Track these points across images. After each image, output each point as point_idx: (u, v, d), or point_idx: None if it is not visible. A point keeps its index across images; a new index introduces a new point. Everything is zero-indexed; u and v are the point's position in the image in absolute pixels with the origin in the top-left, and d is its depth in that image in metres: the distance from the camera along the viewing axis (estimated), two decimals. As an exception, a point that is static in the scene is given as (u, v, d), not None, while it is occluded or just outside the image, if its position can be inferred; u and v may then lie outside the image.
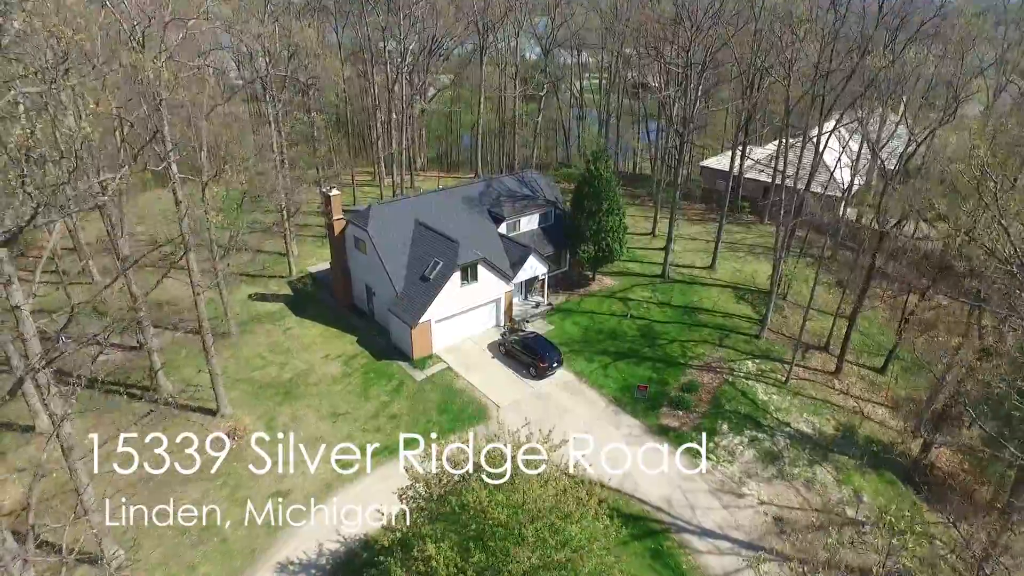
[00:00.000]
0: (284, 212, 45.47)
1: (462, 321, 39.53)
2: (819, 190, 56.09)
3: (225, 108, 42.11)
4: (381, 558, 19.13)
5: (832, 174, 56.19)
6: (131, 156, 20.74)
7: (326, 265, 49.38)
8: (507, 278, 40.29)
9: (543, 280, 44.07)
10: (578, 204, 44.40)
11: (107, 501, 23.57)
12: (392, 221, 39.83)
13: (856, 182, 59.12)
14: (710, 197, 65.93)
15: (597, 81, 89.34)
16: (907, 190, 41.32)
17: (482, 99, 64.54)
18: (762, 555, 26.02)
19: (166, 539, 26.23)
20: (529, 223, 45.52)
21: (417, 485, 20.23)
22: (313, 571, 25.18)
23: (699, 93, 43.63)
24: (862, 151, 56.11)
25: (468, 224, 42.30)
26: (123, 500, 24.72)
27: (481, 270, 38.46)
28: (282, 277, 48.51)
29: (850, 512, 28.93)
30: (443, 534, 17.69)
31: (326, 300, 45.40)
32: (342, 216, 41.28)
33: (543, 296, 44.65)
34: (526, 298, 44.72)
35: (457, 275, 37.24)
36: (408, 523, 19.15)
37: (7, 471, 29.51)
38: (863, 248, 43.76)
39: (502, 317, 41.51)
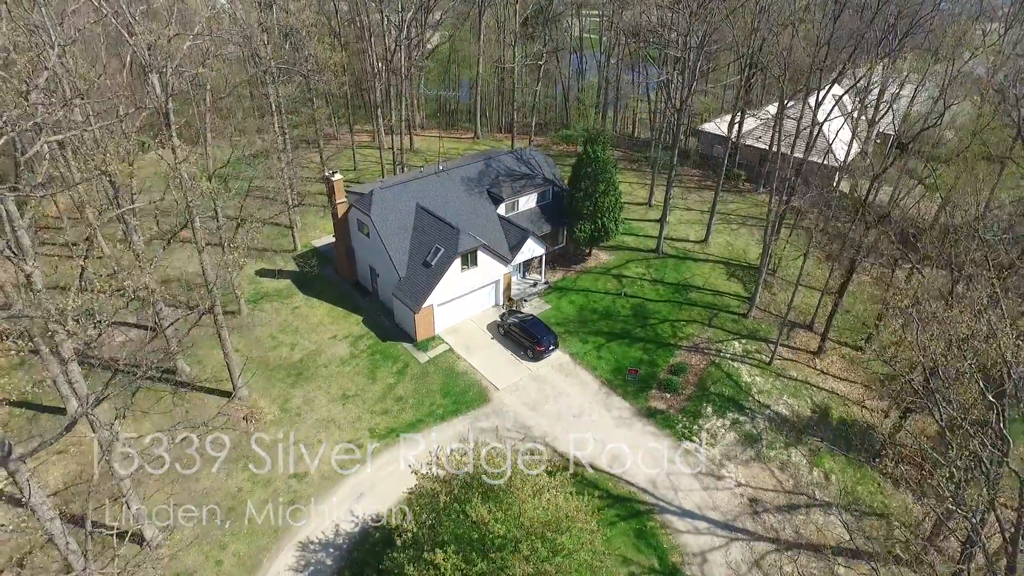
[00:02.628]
0: (288, 197, 46.44)
1: (463, 303, 41.30)
2: (817, 159, 56.83)
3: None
4: (395, 554, 21.67)
5: (830, 147, 56.67)
6: (165, 241, 21.92)
7: (330, 239, 50.77)
8: (506, 261, 41.78)
9: (541, 257, 45.55)
10: (576, 183, 45.35)
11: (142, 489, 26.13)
12: (394, 206, 40.95)
13: (853, 149, 59.64)
14: (707, 163, 66.50)
15: (597, 19, 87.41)
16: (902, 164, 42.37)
17: (480, 60, 63.97)
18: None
19: (196, 518, 28.89)
20: (527, 202, 46.58)
21: (424, 486, 22.63)
22: (331, 550, 27.95)
23: (696, 75, 43.74)
24: (859, 122, 56.34)
25: (467, 207, 43.41)
26: (157, 505, 27.17)
27: (481, 255, 39.92)
28: (287, 252, 49.90)
29: (819, 494, 31.63)
30: (449, 537, 20.10)
31: (331, 276, 46.98)
32: (345, 200, 42.37)
33: (541, 274, 46.27)
34: (524, 276, 46.36)
35: (458, 261, 38.70)
36: (416, 524, 21.47)
37: (47, 454, 31.97)
38: (855, 221, 44.79)
39: (501, 297, 43.27)
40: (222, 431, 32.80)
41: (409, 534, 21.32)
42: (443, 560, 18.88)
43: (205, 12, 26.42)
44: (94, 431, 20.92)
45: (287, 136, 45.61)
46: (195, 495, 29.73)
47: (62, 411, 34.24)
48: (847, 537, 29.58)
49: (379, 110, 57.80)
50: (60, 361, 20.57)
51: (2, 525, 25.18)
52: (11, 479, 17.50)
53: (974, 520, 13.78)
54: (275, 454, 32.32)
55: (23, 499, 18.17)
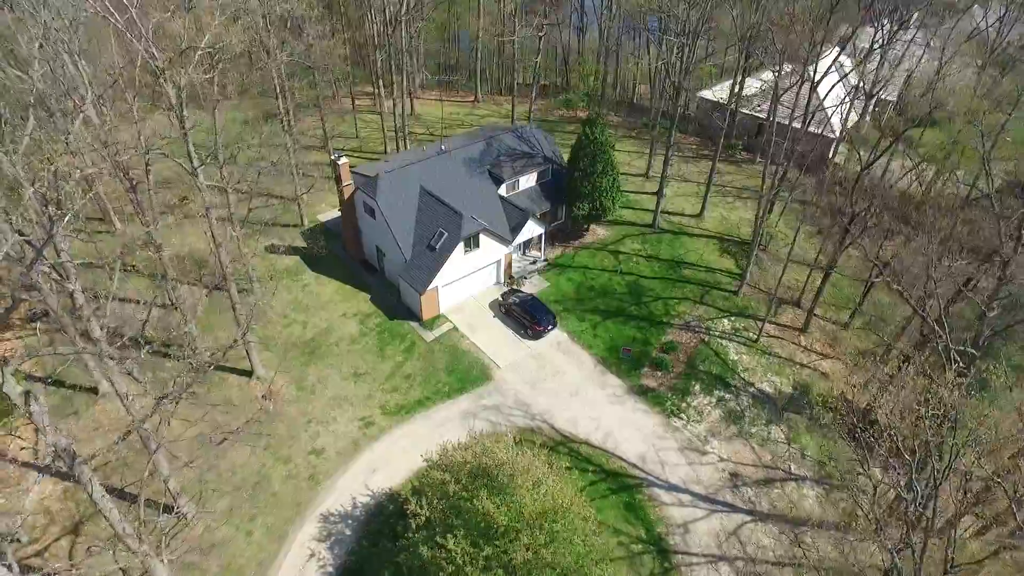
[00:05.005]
0: (295, 177, 47.60)
1: (466, 283, 43.24)
2: (815, 129, 57.52)
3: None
4: (411, 535, 24.47)
5: (829, 120, 57.27)
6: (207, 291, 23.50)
7: (336, 213, 52.23)
8: (507, 242, 43.48)
9: (540, 236, 47.20)
10: (575, 163, 46.49)
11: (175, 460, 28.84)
12: (399, 190, 42.31)
13: (851, 117, 60.28)
14: (705, 132, 67.03)
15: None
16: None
17: (479, 32, 63.71)
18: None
19: (226, 493, 31.78)
20: (528, 181, 47.84)
21: (433, 475, 25.31)
22: (350, 521, 30.91)
23: (694, 57, 44.29)
24: (859, 90, 56.69)
25: (470, 188, 44.74)
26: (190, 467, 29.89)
27: (483, 238, 41.61)
28: (295, 227, 51.36)
29: (794, 468, 34.48)
30: (459, 522, 22.79)
31: (338, 252, 48.66)
32: (351, 182, 43.67)
33: (540, 251, 48.02)
34: (524, 253, 48.12)
35: (461, 245, 40.41)
36: (429, 509, 24.15)
37: (83, 431, 34.66)
38: (847, 198, 45.99)
39: (502, 275, 45.19)
40: (245, 409, 35.57)
41: (423, 517, 24.02)
42: (454, 545, 21.60)
43: (215, 21, 27.23)
44: (143, 440, 23.27)
45: (292, 119, 46.37)
46: (224, 472, 32.51)
47: (93, 390, 36.67)
48: (817, 509, 32.65)
49: (379, 80, 58.10)
50: (107, 376, 22.70)
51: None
52: (76, 479, 19.88)
53: (892, 551, 16.24)
54: (295, 431, 35.02)
55: (88, 492, 20.63)
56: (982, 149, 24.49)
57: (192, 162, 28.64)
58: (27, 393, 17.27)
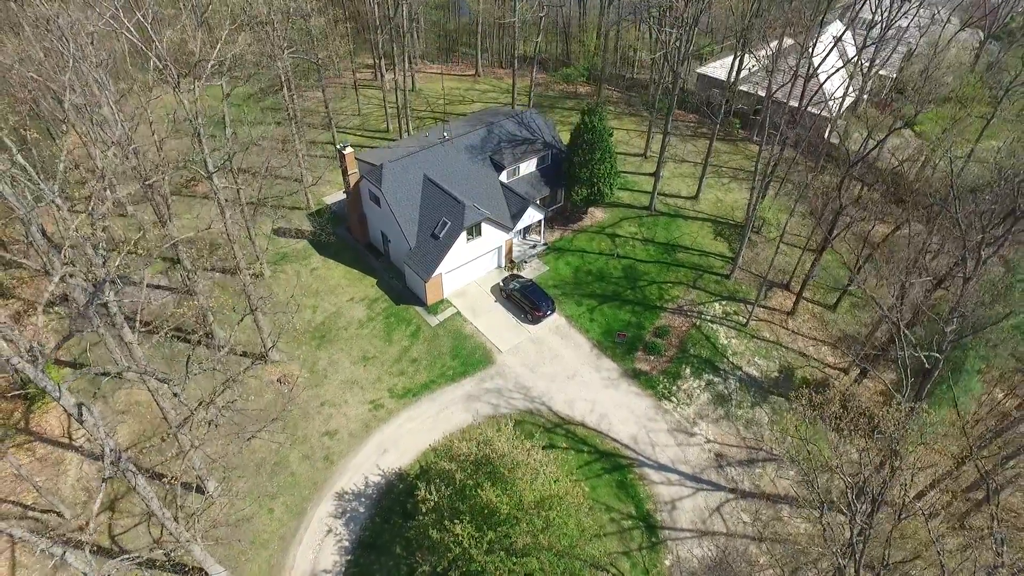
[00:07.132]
0: (301, 169, 48.75)
1: (468, 268, 44.98)
2: (814, 111, 58.24)
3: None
4: (420, 518, 26.94)
5: (828, 102, 57.94)
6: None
7: (341, 195, 53.62)
8: (508, 229, 45.04)
9: (540, 221, 48.71)
10: (574, 149, 47.65)
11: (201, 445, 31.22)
12: (403, 178, 43.64)
13: (848, 95, 60.84)
14: (702, 110, 67.56)
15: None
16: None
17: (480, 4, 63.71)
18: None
19: (247, 473, 34.28)
20: (528, 167, 49.05)
21: (441, 463, 27.63)
22: (363, 499, 33.50)
23: (691, 46, 44.95)
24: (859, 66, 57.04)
25: (471, 175, 46.03)
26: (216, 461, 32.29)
27: (485, 226, 43.18)
28: (300, 209, 52.75)
29: (776, 449, 36.90)
30: (464, 508, 25.21)
31: (344, 236, 50.23)
32: (356, 171, 44.94)
33: (540, 235, 49.60)
34: (525, 237, 49.71)
35: (464, 234, 42.00)
36: (437, 495, 26.55)
37: (111, 413, 36.99)
38: (838, 186, 47.18)
39: (503, 260, 46.90)
40: (261, 393, 37.84)
41: (431, 503, 26.44)
42: (460, 530, 24.05)
43: (226, 28, 28.25)
44: (180, 443, 25.46)
45: (296, 107, 47.26)
46: (245, 453, 34.93)
47: (118, 374, 38.75)
48: (795, 488, 35.17)
49: (382, 60, 58.54)
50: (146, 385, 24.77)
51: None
52: (121, 474, 22.11)
53: (836, 554, 18.55)
54: (309, 414, 37.36)
55: (131, 485, 22.92)
56: (951, 173, 25.90)
57: (208, 167, 30.06)
58: (80, 405, 19.30)
